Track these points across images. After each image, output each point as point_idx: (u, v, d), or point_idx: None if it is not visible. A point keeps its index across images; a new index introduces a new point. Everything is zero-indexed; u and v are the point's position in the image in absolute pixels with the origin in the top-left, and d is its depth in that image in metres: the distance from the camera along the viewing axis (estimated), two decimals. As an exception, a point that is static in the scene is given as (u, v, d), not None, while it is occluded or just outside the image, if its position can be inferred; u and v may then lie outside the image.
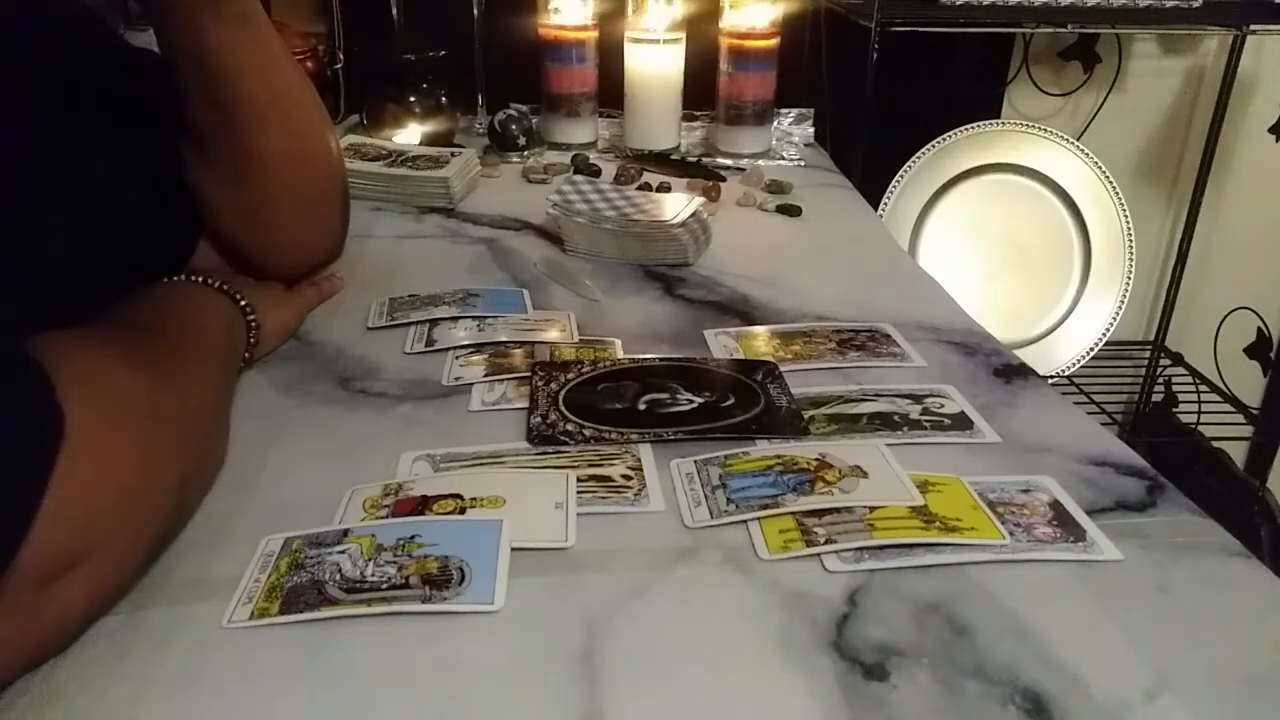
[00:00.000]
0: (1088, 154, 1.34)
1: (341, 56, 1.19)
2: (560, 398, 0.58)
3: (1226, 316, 1.58)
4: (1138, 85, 1.47)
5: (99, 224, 0.56)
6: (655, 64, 1.13)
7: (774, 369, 0.63)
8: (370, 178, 0.95)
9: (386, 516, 0.47)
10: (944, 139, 1.33)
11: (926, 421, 0.57)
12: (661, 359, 0.65)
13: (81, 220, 0.55)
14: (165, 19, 0.59)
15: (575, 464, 0.52)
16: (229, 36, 0.59)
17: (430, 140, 1.10)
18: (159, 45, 0.61)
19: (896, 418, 0.57)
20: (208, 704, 0.37)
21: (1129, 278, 1.37)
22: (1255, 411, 1.56)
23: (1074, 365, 1.39)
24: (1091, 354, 1.39)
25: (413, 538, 0.45)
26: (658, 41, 1.11)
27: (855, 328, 0.70)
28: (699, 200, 0.87)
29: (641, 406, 0.58)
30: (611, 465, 0.52)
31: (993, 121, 1.36)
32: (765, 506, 0.48)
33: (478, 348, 0.66)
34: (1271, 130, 1.51)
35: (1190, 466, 1.43)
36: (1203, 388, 1.52)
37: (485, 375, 0.62)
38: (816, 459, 0.52)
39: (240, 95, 0.61)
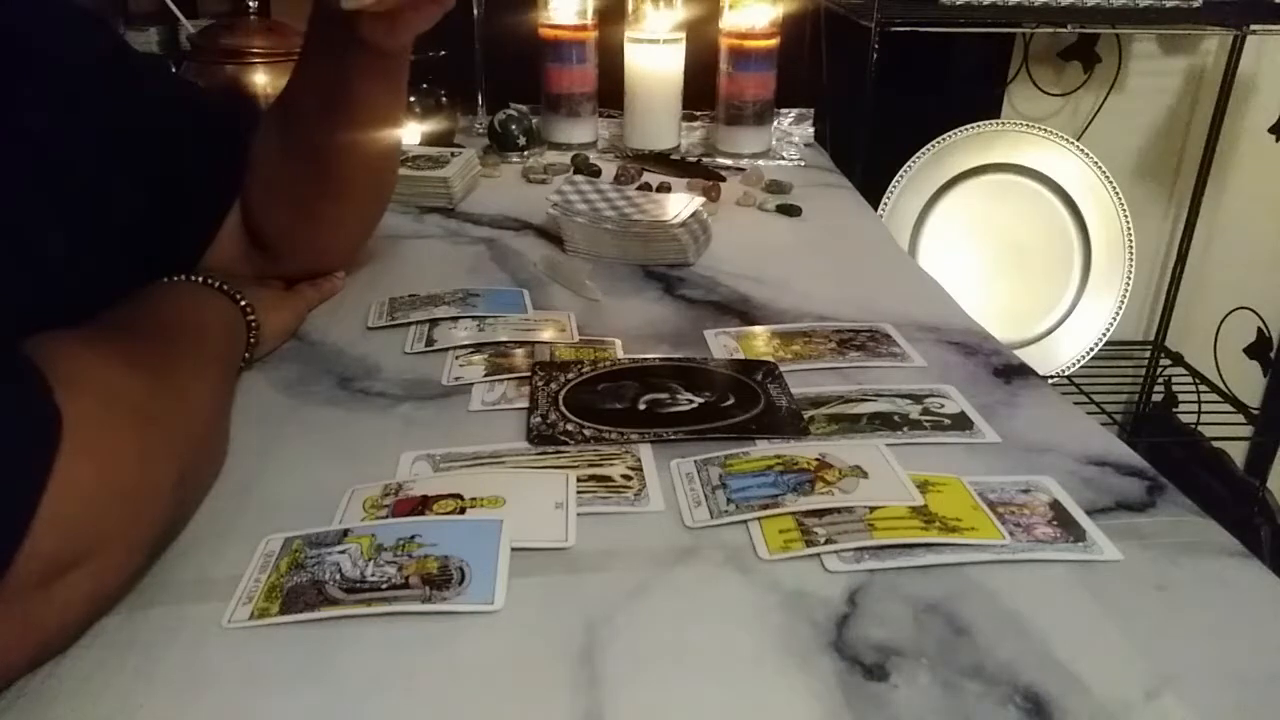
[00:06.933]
0: (1088, 154, 1.34)
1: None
2: (560, 398, 0.58)
3: (1226, 316, 1.58)
4: (1138, 85, 1.47)
5: (99, 225, 0.56)
6: (655, 64, 1.13)
7: (774, 369, 0.63)
8: (370, 178, 0.95)
9: (386, 516, 0.47)
10: (944, 139, 1.33)
11: (926, 421, 0.57)
12: (661, 359, 0.65)
13: (81, 221, 0.55)
14: (318, 37, 0.64)
15: (575, 464, 0.52)
16: (368, 83, 0.64)
17: (430, 140, 1.10)
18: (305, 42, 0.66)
19: (896, 418, 0.57)
20: (208, 704, 0.37)
21: (1129, 278, 1.37)
22: (1255, 411, 1.56)
23: (1074, 365, 1.39)
24: (1091, 354, 1.39)
25: (413, 538, 0.45)
26: (658, 41, 1.11)
27: (855, 328, 0.70)
28: (699, 200, 0.87)
29: (641, 406, 0.58)
30: (611, 465, 0.52)
31: (993, 121, 1.36)
32: (765, 506, 0.48)
33: (478, 348, 0.66)
34: (1271, 130, 1.51)
35: (1190, 466, 1.43)
36: (1203, 388, 1.52)
37: (485, 375, 0.62)
38: (816, 459, 0.52)
39: (351, 118, 0.65)
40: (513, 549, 0.44)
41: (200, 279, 0.60)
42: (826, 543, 0.45)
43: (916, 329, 0.70)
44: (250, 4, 1.07)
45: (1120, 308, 1.37)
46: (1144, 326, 1.61)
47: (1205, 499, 0.51)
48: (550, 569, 0.44)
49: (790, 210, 0.98)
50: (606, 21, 1.14)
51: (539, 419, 0.56)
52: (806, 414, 0.57)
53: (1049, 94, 1.47)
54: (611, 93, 1.18)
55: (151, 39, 1.22)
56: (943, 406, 0.59)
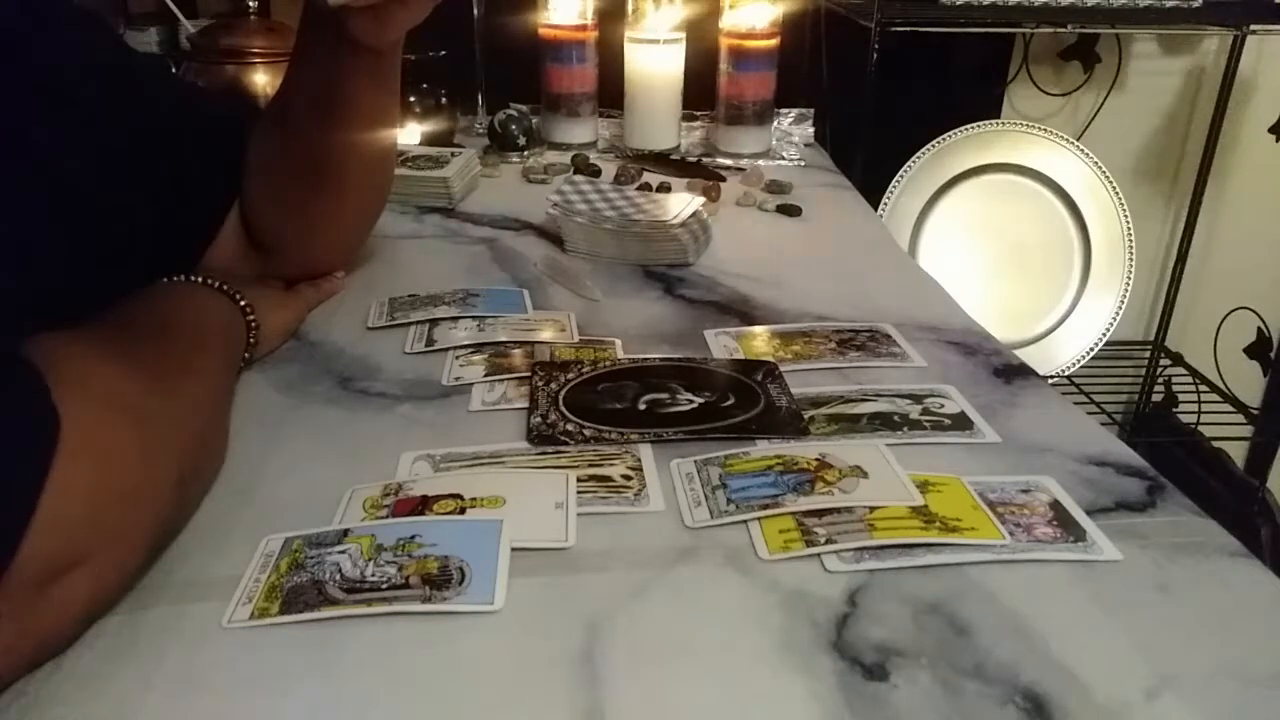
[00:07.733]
0: (1088, 154, 1.34)
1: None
2: (560, 398, 0.58)
3: (1226, 316, 1.58)
4: (1138, 85, 1.47)
5: (98, 225, 0.56)
6: (655, 64, 1.13)
7: (774, 369, 0.63)
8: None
9: (386, 516, 0.47)
10: (944, 139, 1.33)
11: (926, 421, 0.57)
12: (661, 359, 0.65)
13: (81, 221, 0.55)
14: (309, 37, 0.64)
15: (575, 464, 0.52)
16: (360, 81, 0.64)
17: (430, 140, 1.10)
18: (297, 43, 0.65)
19: (896, 418, 0.57)
20: (208, 704, 0.37)
21: (1129, 278, 1.37)
22: (1255, 411, 1.56)
23: (1074, 365, 1.39)
24: (1091, 354, 1.39)
25: (413, 538, 0.45)
26: (658, 41, 1.11)
27: (855, 328, 0.70)
28: (699, 200, 0.87)
29: (641, 406, 0.58)
30: (611, 465, 0.52)
31: (993, 121, 1.36)
32: (765, 506, 0.48)
33: (478, 348, 0.66)
34: (1271, 130, 1.51)
35: (1190, 466, 1.43)
36: (1203, 388, 1.52)
37: (485, 375, 0.62)
38: (816, 459, 0.52)
39: (345, 118, 0.65)
40: (513, 549, 0.44)
41: (200, 279, 0.60)
42: (826, 543, 0.45)
43: (916, 329, 0.70)
44: (250, 4, 1.07)
45: (1120, 308, 1.38)
46: (1144, 326, 1.61)
47: (1205, 499, 0.50)
48: (550, 569, 0.44)
49: (790, 210, 0.98)
50: (606, 21, 1.14)
51: (539, 419, 0.56)
52: (806, 414, 0.57)
53: (1049, 94, 1.47)
54: (611, 93, 1.18)
55: (151, 39, 1.22)
56: (943, 406, 0.59)
